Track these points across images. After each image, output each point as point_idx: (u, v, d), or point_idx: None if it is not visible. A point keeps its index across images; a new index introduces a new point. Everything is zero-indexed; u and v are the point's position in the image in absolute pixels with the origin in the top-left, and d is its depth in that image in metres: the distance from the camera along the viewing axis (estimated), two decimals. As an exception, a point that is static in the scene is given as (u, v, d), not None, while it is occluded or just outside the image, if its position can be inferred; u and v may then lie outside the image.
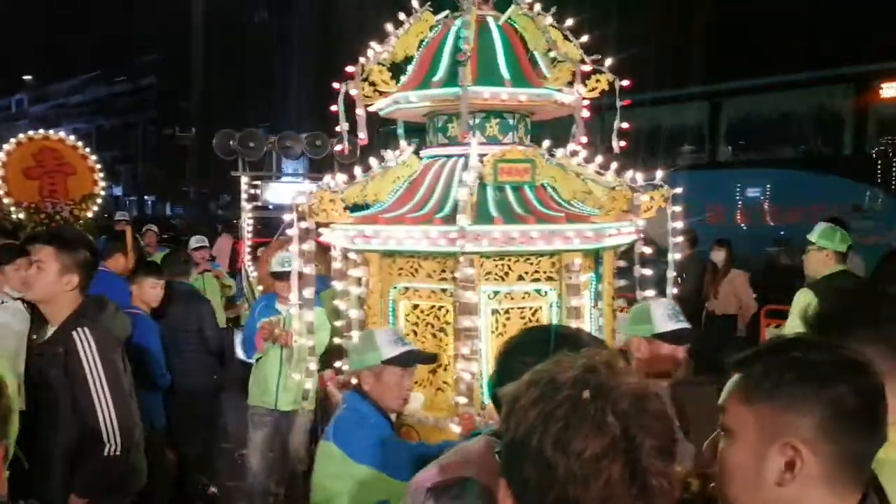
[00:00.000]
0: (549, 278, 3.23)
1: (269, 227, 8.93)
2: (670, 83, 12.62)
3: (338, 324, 3.79)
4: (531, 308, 3.21)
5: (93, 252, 3.23)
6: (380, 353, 2.72)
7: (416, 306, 3.30)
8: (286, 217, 3.44)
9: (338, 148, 4.25)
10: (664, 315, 2.72)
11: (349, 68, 3.39)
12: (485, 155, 3.22)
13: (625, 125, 3.55)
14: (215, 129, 9.02)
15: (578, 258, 3.16)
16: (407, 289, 3.30)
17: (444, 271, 3.16)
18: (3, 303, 4.37)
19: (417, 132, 3.86)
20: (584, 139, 3.45)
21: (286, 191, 8.61)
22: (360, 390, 2.76)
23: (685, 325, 2.75)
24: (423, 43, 3.62)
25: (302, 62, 27.73)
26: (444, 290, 3.17)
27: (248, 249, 8.24)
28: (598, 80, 3.45)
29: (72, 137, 8.77)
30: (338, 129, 3.45)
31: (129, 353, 3.21)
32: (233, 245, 9.83)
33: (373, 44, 3.49)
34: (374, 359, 2.73)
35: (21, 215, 8.14)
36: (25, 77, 51.27)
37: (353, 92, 3.34)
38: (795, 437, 1.21)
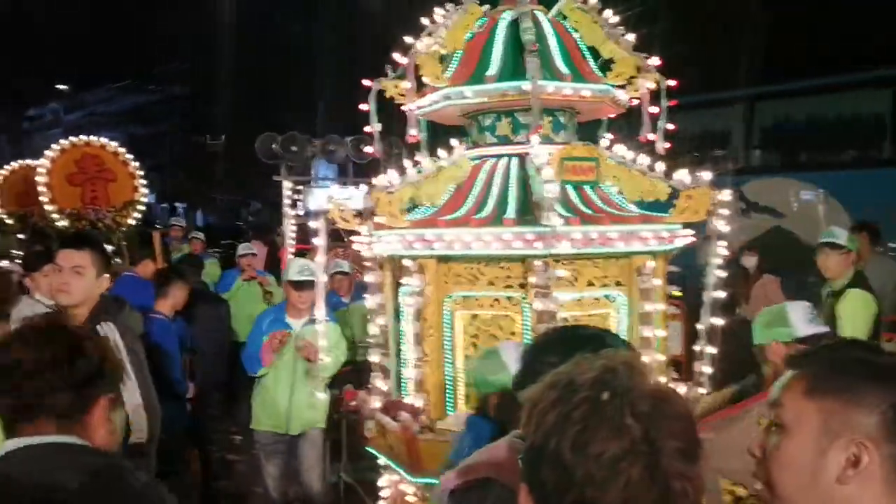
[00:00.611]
0: (618, 283, 3.05)
1: (309, 233, 8.81)
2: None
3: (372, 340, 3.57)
4: (600, 315, 3.03)
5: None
6: (511, 374, 2.45)
7: (475, 316, 3.10)
8: (312, 224, 3.33)
9: (367, 149, 4.13)
10: (804, 318, 2.64)
11: (403, 59, 3.21)
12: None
13: (671, 126, 3.37)
14: (246, 137, 8.96)
15: (651, 261, 2.99)
16: (465, 298, 3.10)
17: (509, 277, 2.97)
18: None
19: (434, 134, 3.68)
20: (652, 136, 3.27)
21: (325, 196, 8.44)
22: (486, 414, 2.49)
23: (825, 328, 2.67)
24: (467, 37, 3.45)
25: (331, 68, 27.75)
26: (509, 299, 2.98)
27: (290, 257, 8.14)
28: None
29: (113, 143, 8.76)
30: (367, 129, 3.31)
31: (147, 355, 3.31)
32: (273, 251, 9.76)
33: (408, 38, 3.29)
34: (504, 380, 2.41)
35: (64, 222, 8.15)
36: (60, 87, 52.12)
37: (405, 85, 3.19)
38: (862, 434, 1.19)
